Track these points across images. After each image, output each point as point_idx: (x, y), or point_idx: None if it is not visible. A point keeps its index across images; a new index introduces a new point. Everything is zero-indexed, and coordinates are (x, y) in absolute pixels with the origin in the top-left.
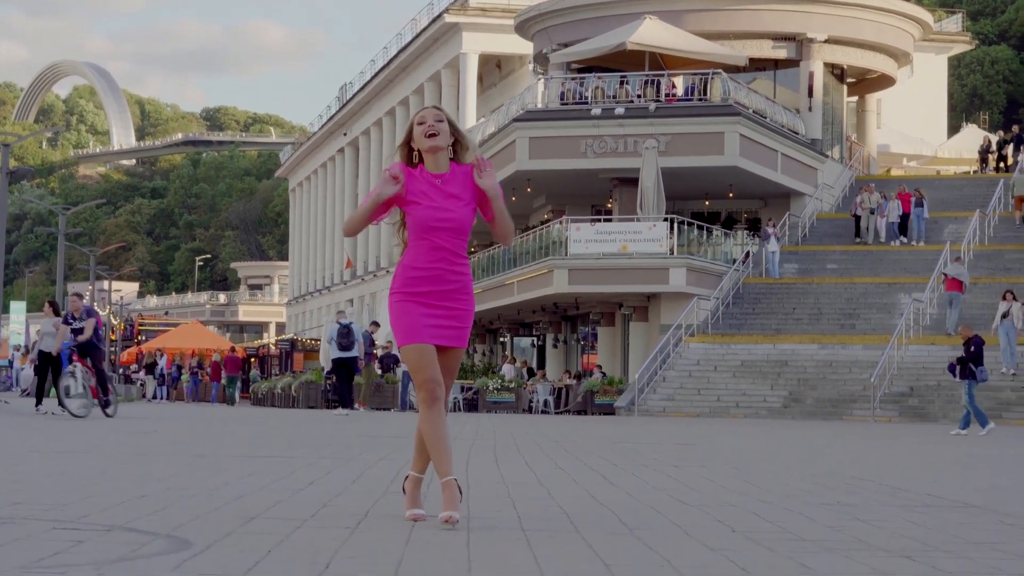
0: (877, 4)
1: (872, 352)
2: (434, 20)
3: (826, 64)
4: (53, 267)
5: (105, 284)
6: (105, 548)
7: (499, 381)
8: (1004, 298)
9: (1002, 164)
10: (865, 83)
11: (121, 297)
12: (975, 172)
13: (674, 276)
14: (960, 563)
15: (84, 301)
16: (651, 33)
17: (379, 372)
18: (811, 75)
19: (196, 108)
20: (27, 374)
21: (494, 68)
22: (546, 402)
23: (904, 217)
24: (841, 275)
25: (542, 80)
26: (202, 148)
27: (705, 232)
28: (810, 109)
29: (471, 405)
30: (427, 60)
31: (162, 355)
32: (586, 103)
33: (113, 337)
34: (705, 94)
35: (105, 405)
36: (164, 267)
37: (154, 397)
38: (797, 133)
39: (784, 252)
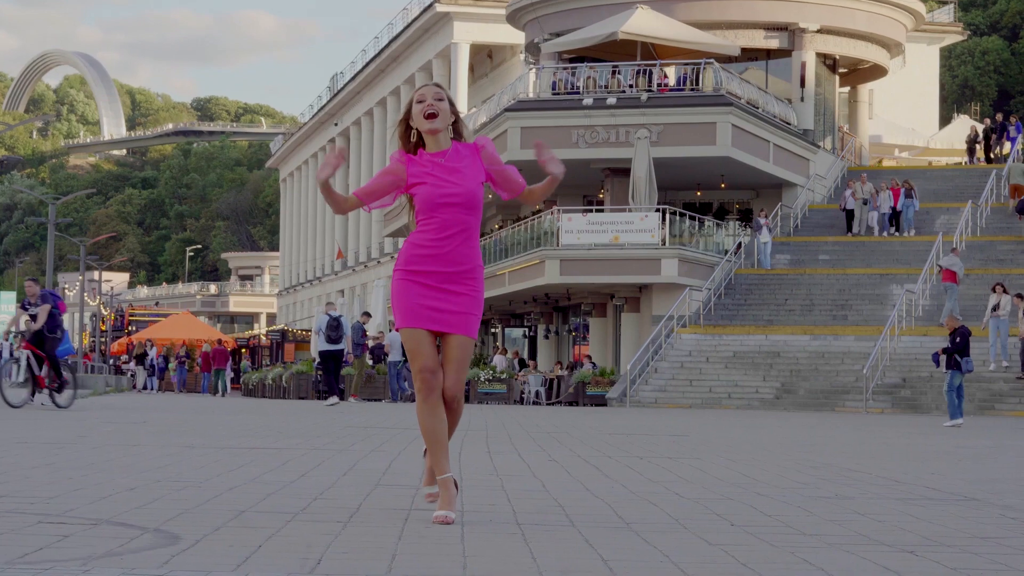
0: None
1: (864, 343)
2: (425, 9)
3: (818, 54)
4: (44, 257)
5: (95, 274)
6: (92, 543)
7: (490, 372)
8: (994, 291)
9: (991, 154)
10: (857, 73)
11: (111, 288)
12: (967, 163)
13: (666, 267)
14: (964, 558)
15: (40, 287)
16: (643, 22)
17: (371, 363)
18: (803, 65)
19: (187, 98)
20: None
21: (485, 58)
22: (537, 393)
23: (895, 211)
24: (833, 266)
25: (533, 70)
26: (193, 138)
27: (697, 223)
28: (802, 99)
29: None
30: (418, 50)
31: (152, 346)
32: (578, 93)
33: (103, 328)
34: (697, 84)
35: (58, 391)
36: (154, 257)
37: (144, 388)
38: (789, 123)
39: (776, 243)
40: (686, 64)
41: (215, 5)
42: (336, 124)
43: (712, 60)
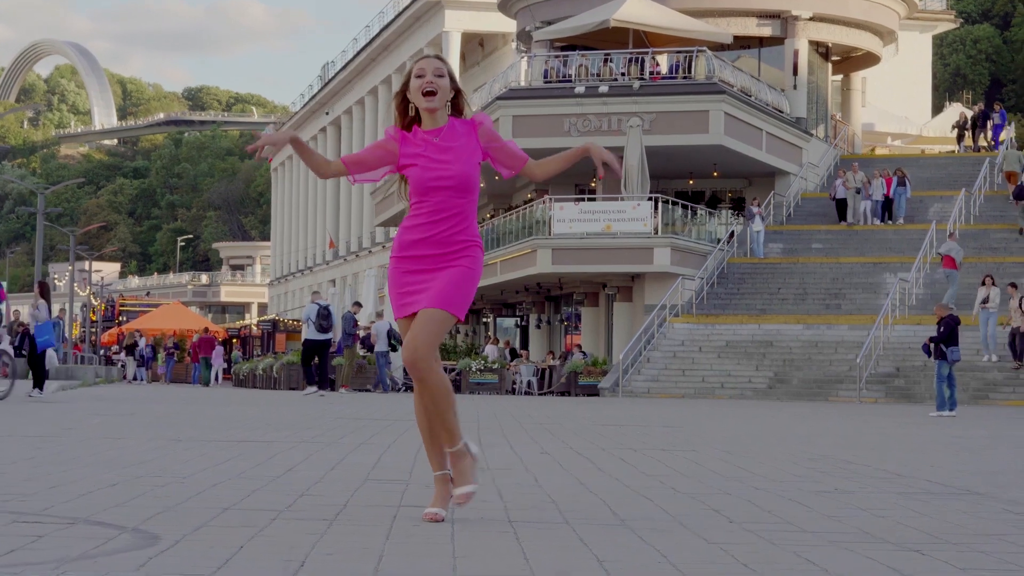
0: None
1: (858, 332)
2: None
3: (811, 42)
4: (34, 247)
5: (86, 264)
6: (66, 544)
7: (482, 362)
8: (983, 283)
9: (979, 142)
10: (850, 61)
11: (102, 278)
12: (958, 151)
13: (658, 256)
14: (972, 557)
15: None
16: (635, 10)
17: (362, 353)
18: (796, 53)
19: (178, 88)
20: None
21: (477, 46)
22: (529, 383)
23: (888, 199)
24: (826, 255)
25: (525, 58)
26: (184, 128)
27: (690, 212)
28: (795, 87)
29: (454, 386)
30: (409, 39)
31: (140, 336)
32: (569, 81)
33: (93, 318)
34: (689, 72)
35: None
36: (146, 247)
37: (135, 379)
38: (782, 112)
39: (769, 232)
40: (678, 52)
41: None
42: (327, 113)
43: (704, 48)
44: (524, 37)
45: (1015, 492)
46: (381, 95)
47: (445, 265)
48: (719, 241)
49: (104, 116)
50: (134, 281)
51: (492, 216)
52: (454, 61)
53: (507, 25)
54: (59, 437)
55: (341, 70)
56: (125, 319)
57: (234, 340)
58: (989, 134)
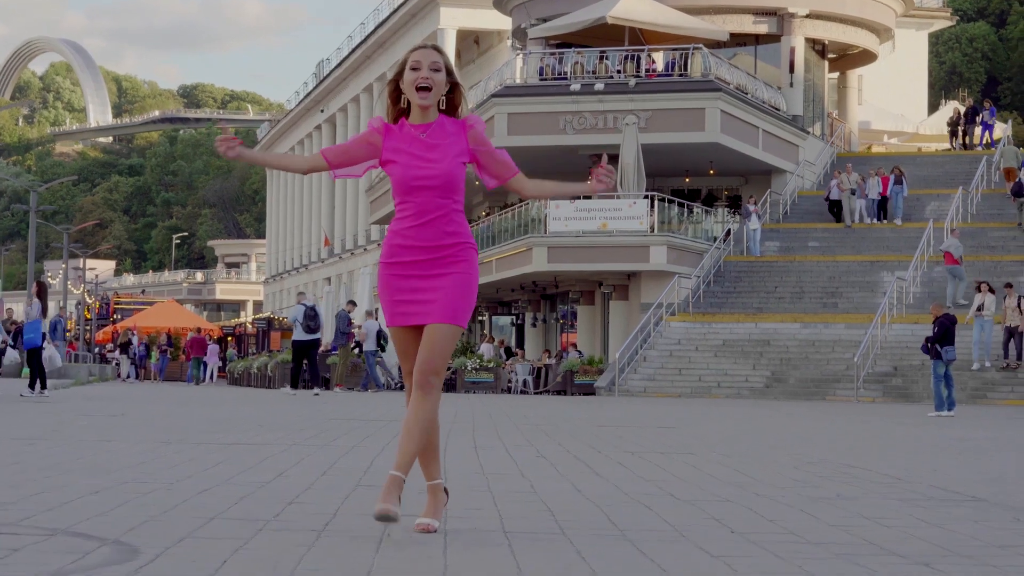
0: None
1: (855, 331)
2: None
3: (807, 39)
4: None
5: (80, 262)
6: (42, 558)
7: (477, 361)
8: (979, 290)
9: (967, 139)
10: (847, 59)
11: (96, 276)
12: (955, 148)
13: (655, 254)
14: (984, 572)
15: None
16: (630, 7)
17: (356, 352)
18: (792, 50)
19: (173, 85)
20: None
21: (472, 44)
22: (525, 382)
23: (883, 199)
24: (823, 253)
25: (520, 55)
26: (179, 125)
27: (686, 210)
28: (791, 85)
29: (449, 385)
30: (404, 36)
31: (134, 334)
32: (565, 79)
33: (88, 316)
34: (686, 70)
35: None
36: (141, 245)
37: (128, 377)
38: (778, 109)
39: (765, 230)
40: (674, 49)
41: None
42: (322, 111)
43: (700, 45)
44: (519, 34)
45: (1022, 499)
46: (376, 92)
47: (441, 271)
48: (715, 239)
49: (99, 113)
50: (129, 279)
51: (487, 214)
52: (449, 58)
53: (502, 22)
54: (47, 439)
55: (336, 67)
56: (119, 317)
57: (229, 338)
58: (979, 130)
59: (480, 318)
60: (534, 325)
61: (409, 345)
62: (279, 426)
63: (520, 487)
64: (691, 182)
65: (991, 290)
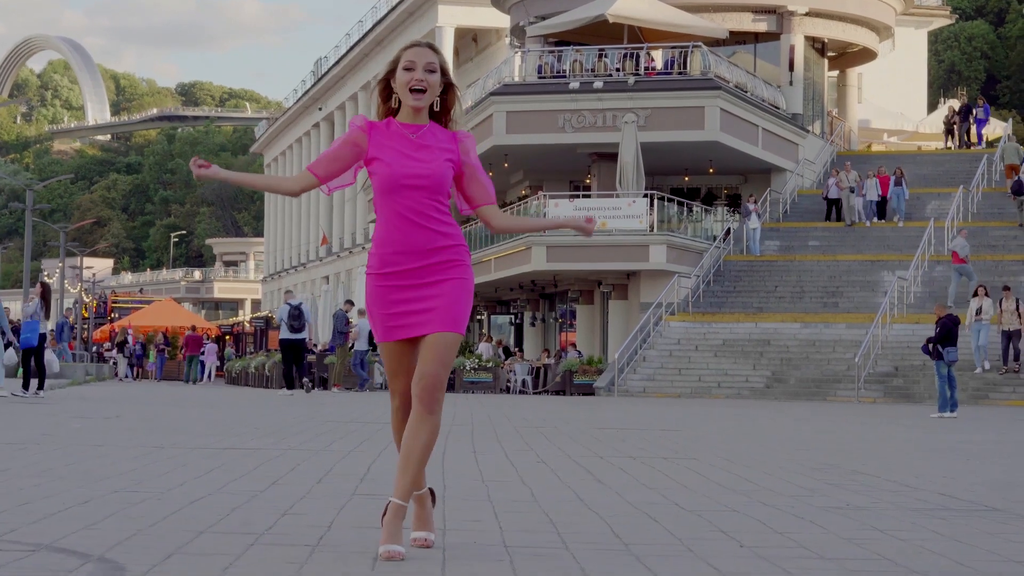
0: None
1: (856, 331)
2: None
3: (807, 37)
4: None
5: (77, 261)
6: None
7: (476, 360)
8: (976, 294)
9: (962, 137)
10: (846, 57)
11: (94, 274)
12: (954, 147)
13: (654, 253)
14: None
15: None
16: (630, 5)
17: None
18: (792, 48)
19: (171, 83)
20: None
21: (470, 42)
22: (524, 382)
23: (883, 199)
24: (823, 252)
25: (519, 53)
26: (177, 123)
27: (685, 209)
28: (791, 83)
29: (448, 385)
30: (402, 34)
31: (129, 333)
32: (564, 77)
33: (86, 315)
34: (685, 68)
35: None
36: (139, 243)
37: (126, 376)
38: (778, 108)
39: (765, 229)
40: (674, 47)
41: None
42: (320, 109)
43: (700, 43)
44: (518, 32)
45: None
46: (370, 90)
47: (438, 277)
48: (715, 238)
49: (97, 111)
50: (127, 277)
51: None
52: (447, 57)
53: (501, 20)
54: (39, 444)
55: (334, 65)
56: (117, 316)
57: (227, 337)
58: (973, 128)
59: (478, 317)
60: (533, 324)
61: (405, 359)
62: (274, 429)
63: (520, 496)
64: (690, 181)
65: (987, 294)
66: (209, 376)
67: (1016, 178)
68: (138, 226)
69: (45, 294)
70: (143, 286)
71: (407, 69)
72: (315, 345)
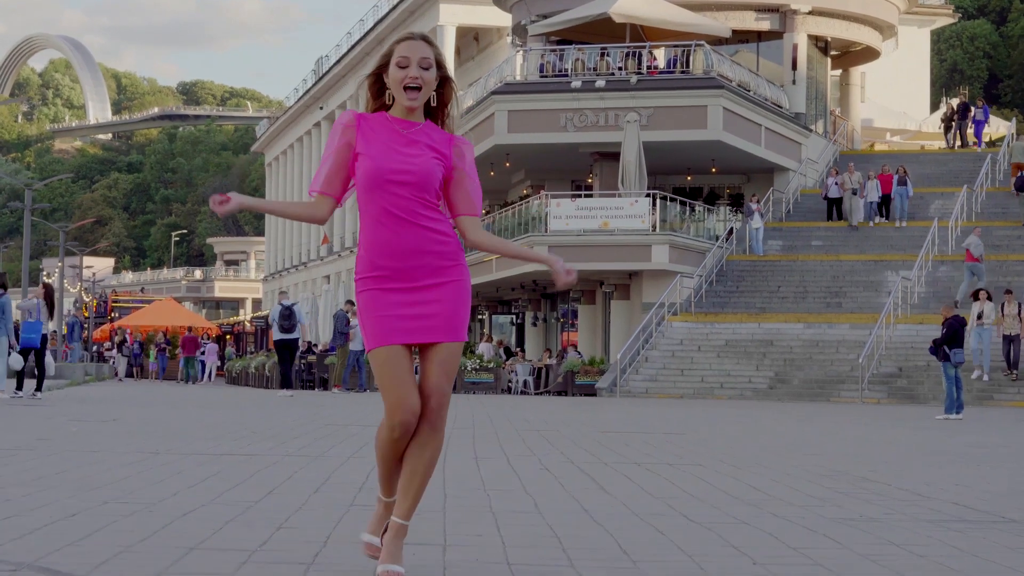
0: None
1: (859, 331)
2: None
3: (810, 36)
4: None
5: (78, 260)
6: None
7: (477, 361)
8: (977, 298)
9: (958, 138)
10: (849, 56)
11: (94, 273)
12: (954, 146)
13: (656, 253)
14: None
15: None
16: (633, 3)
17: None
18: (795, 47)
19: (172, 82)
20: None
21: (472, 40)
22: (525, 383)
23: (885, 198)
24: (826, 252)
25: (521, 52)
26: (178, 122)
27: (688, 208)
28: (794, 82)
29: None
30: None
31: (128, 333)
32: (566, 76)
33: (85, 314)
34: (687, 67)
35: None
36: (140, 242)
37: (127, 376)
38: (781, 107)
39: (768, 228)
40: (676, 46)
41: None
42: (321, 108)
43: (703, 42)
44: (519, 31)
45: None
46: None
47: (432, 281)
48: (718, 238)
49: (98, 110)
50: (128, 276)
51: (488, 212)
52: (448, 56)
53: (502, 19)
54: (32, 450)
55: (335, 64)
56: (117, 315)
57: (228, 336)
58: (971, 129)
59: (480, 317)
60: (534, 324)
61: (406, 363)
62: (272, 433)
63: (524, 506)
64: (693, 180)
65: (989, 297)
66: (210, 376)
67: (1020, 175)
68: (139, 225)
69: (49, 295)
70: (144, 285)
71: (401, 67)
72: (315, 346)
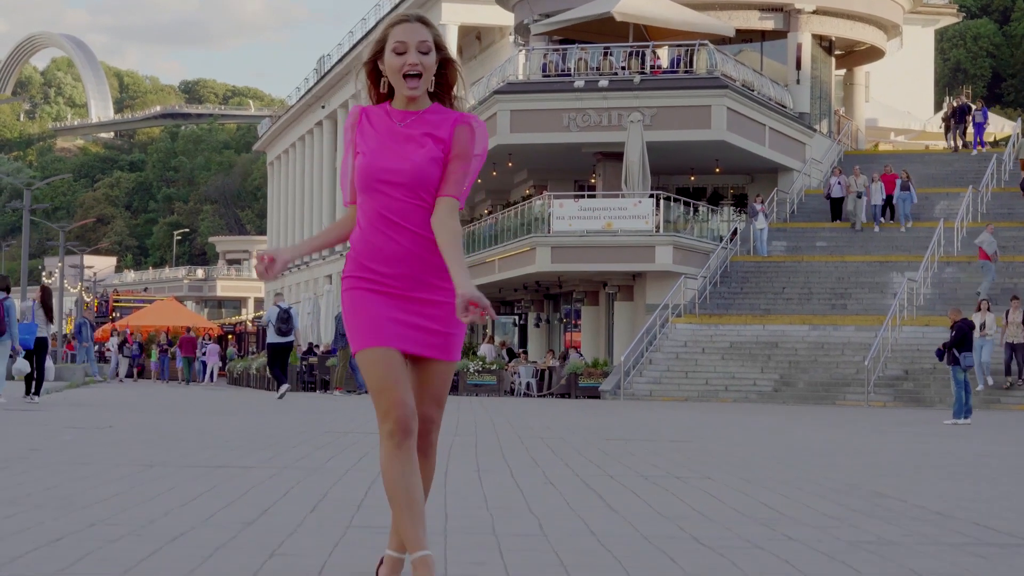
0: None
1: (865, 333)
2: None
3: (814, 36)
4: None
5: (79, 259)
6: None
7: (479, 363)
8: (978, 308)
9: (957, 139)
10: (853, 55)
11: (95, 273)
12: (953, 147)
13: (660, 254)
14: None
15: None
16: (636, 3)
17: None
18: (799, 47)
19: (174, 81)
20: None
21: (474, 40)
22: (528, 385)
23: (888, 199)
24: (831, 253)
25: (523, 51)
26: (180, 121)
27: (691, 209)
28: (798, 82)
29: (451, 387)
30: None
31: (127, 333)
32: (569, 75)
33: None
34: (691, 66)
35: None
36: (142, 241)
37: (128, 375)
38: (785, 106)
39: (772, 229)
40: (679, 46)
41: None
42: (323, 107)
43: (706, 42)
44: (522, 30)
45: None
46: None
47: (431, 297)
48: (722, 239)
49: (100, 109)
50: (130, 275)
51: (490, 212)
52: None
53: (505, 18)
54: (22, 461)
55: (337, 63)
56: (119, 315)
57: (229, 336)
58: (970, 130)
59: None
60: (537, 325)
61: (394, 371)
62: (270, 442)
63: (528, 528)
64: (696, 180)
65: (989, 308)
66: (211, 376)
67: None
68: (141, 224)
69: (45, 299)
70: (146, 284)
71: (398, 52)
72: (317, 347)
